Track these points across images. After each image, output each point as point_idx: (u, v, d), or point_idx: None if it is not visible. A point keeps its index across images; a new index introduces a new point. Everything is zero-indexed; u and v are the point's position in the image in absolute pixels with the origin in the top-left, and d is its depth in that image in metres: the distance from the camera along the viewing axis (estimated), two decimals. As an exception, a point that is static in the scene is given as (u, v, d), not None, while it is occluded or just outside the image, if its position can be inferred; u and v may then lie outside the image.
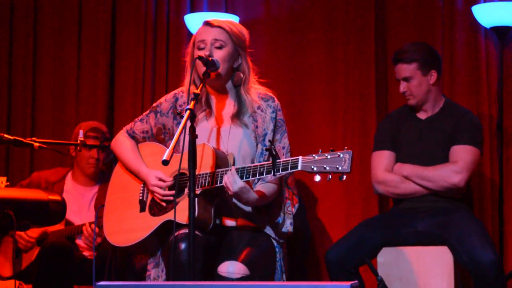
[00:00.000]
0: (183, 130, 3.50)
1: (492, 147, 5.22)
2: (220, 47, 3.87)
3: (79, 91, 6.11)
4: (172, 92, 4.07)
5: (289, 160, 3.57)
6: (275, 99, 3.98)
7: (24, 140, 4.57)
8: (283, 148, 3.92)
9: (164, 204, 3.83)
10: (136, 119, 4.10)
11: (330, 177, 3.48)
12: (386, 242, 4.56)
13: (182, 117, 3.57)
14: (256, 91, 3.96)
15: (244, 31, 3.98)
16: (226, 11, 5.81)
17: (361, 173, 5.35)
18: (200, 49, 3.88)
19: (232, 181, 3.63)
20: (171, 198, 3.80)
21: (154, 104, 4.07)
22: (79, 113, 6.05)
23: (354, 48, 5.56)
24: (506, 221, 5.18)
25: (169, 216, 3.77)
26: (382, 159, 4.67)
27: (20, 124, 6.14)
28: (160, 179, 3.84)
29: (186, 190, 3.73)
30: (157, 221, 3.81)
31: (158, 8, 5.99)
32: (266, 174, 3.62)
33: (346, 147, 3.51)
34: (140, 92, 5.95)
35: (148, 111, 4.07)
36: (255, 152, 3.90)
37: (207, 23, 3.93)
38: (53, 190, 5.01)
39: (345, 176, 3.47)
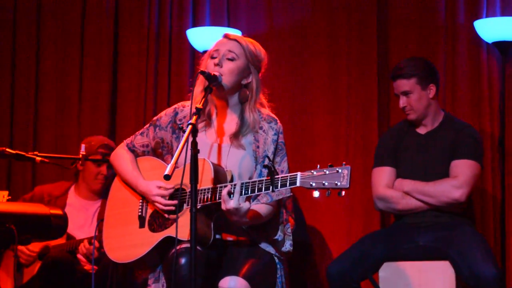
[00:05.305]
0: (185, 145, 3.49)
1: (493, 161, 5.22)
2: (231, 59, 3.84)
3: (81, 104, 6.13)
4: (173, 106, 4.04)
5: (287, 176, 3.54)
6: (278, 121, 3.94)
7: (26, 154, 4.57)
8: (282, 171, 3.86)
9: (166, 215, 3.81)
10: (137, 133, 4.07)
11: (329, 192, 3.47)
12: (387, 256, 4.55)
13: (184, 131, 3.53)
14: (260, 112, 3.92)
15: (262, 53, 3.95)
16: (229, 25, 5.82)
17: (363, 187, 5.34)
18: (212, 57, 3.86)
19: (226, 199, 3.61)
20: (173, 208, 3.76)
21: (155, 118, 4.04)
22: (81, 127, 6.06)
23: (356, 62, 5.57)
24: (508, 236, 5.16)
25: (169, 232, 3.76)
26: (382, 176, 4.67)
27: (22, 138, 6.15)
28: (161, 187, 3.81)
29: (185, 206, 3.73)
30: (157, 237, 3.79)
31: (160, 22, 6.01)
32: (265, 190, 3.59)
33: (344, 162, 3.48)
34: (142, 106, 5.96)
35: (148, 125, 4.04)
36: (253, 171, 3.86)
37: (225, 36, 3.93)
38: (56, 204, 5.01)
39: (343, 192, 3.44)
